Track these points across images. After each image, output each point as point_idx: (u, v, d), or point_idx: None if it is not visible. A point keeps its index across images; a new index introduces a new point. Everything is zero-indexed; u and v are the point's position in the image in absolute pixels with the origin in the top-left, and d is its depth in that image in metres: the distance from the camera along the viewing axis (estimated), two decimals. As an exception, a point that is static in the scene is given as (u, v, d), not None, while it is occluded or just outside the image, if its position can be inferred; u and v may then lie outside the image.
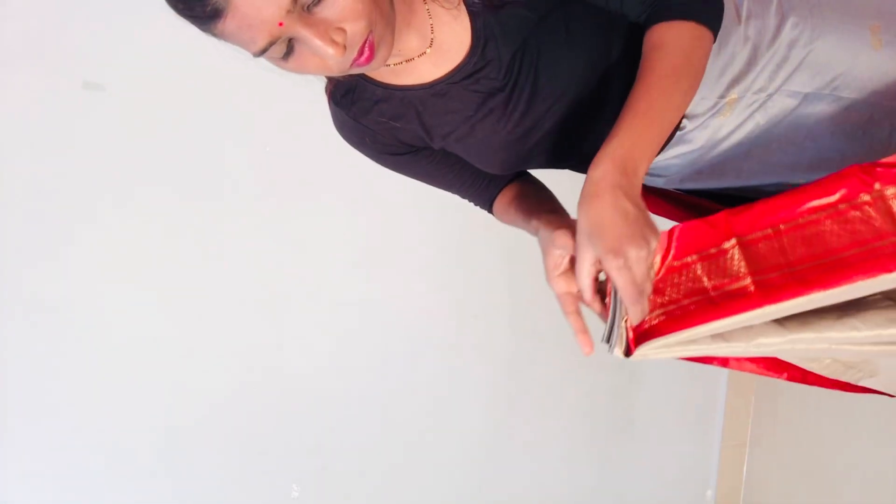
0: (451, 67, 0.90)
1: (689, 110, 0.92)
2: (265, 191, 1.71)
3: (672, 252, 0.81)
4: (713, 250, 0.80)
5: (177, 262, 1.64)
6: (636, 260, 0.72)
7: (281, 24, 0.74)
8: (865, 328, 0.80)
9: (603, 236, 0.73)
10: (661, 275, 0.80)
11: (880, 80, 0.92)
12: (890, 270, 0.74)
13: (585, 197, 0.75)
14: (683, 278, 0.80)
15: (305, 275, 1.76)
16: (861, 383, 1.02)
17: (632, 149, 0.77)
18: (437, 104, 0.93)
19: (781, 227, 0.79)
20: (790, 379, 1.06)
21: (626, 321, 0.78)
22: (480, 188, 1.06)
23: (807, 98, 0.93)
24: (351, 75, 0.92)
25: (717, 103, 0.93)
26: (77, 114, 1.53)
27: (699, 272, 0.79)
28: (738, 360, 1.05)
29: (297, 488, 1.82)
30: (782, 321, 0.79)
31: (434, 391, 1.92)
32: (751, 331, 0.80)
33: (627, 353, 0.79)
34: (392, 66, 0.91)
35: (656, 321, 0.79)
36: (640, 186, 0.77)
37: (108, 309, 1.62)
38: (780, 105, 0.94)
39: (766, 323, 0.79)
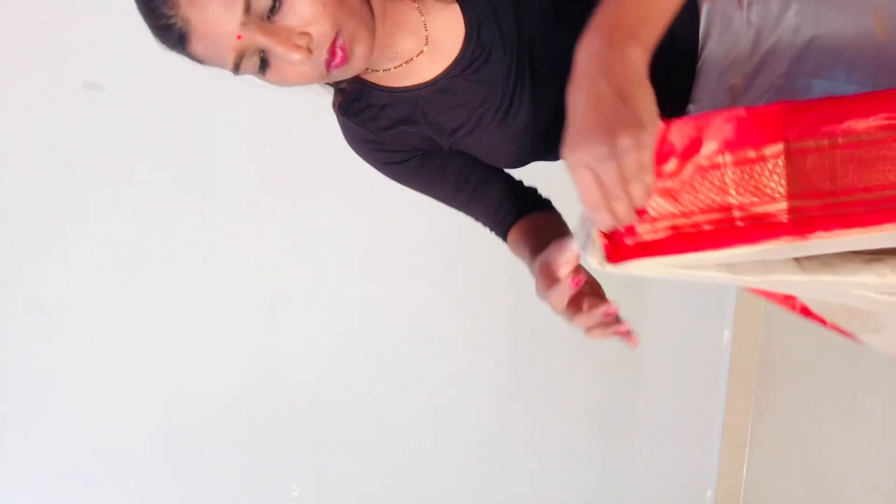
0: (450, 61, 0.89)
1: (693, 96, 0.90)
2: (265, 191, 1.71)
3: (703, 147, 0.67)
4: (752, 154, 0.66)
5: (176, 262, 1.64)
6: (595, 159, 0.62)
7: (239, 37, 0.74)
8: (893, 276, 0.69)
9: (567, 128, 0.64)
10: (681, 174, 0.67)
11: (886, 69, 0.91)
12: None
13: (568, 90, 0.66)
14: (707, 184, 0.67)
15: (305, 275, 1.75)
16: (861, 336, 0.92)
17: (619, 12, 0.66)
18: (442, 101, 0.92)
19: (840, 140, 0.65)
20: (793, 309, 0.96)
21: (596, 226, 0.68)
22: (492, 207, 1.03)
23: (811, 84, 0.92)
24: (355, 84, 0.92)
25: (720, 87, 0.90)
26: (77, 114, 1.53)
27: (727, 179, 0.66)
28: None
29: (297, 488, 1.82)
30: (801, 260, 0.69)
31: (434, 391, 1.92)
32: (766, 265, 0.70)
33: (609, 261, 0.69)
34: (393, 69, 0.90)
35: (662, 235, 0.68)
36: (638, 56, 0.64)
37: (108, 309, 1.62)
38: (785, 92, 0.92)
39: (784, 259, 0.70)
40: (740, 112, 0.65)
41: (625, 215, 0.66)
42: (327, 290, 1.78)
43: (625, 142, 0.61)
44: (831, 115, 0.65)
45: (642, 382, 2.14)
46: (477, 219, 1.08)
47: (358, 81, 0.92)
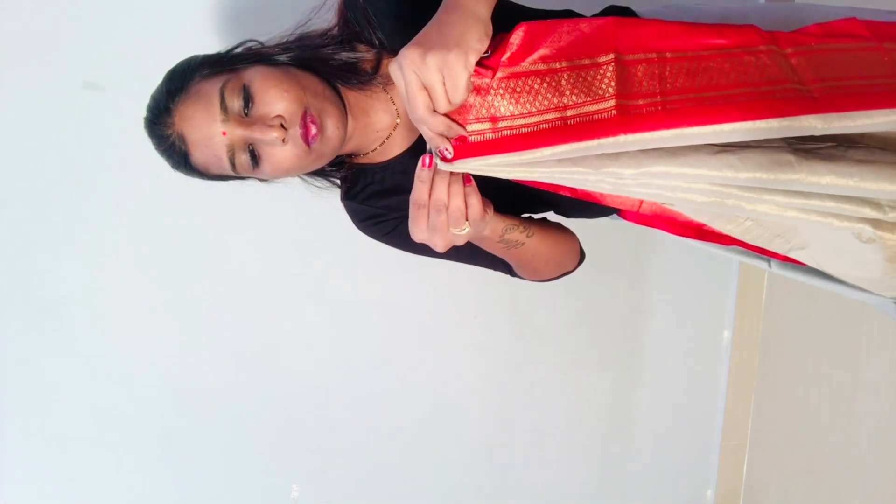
0: None
1: None
2: (265, 190, 1.71)
3: (539, 51, 0.73)
4: (586, 61, 0.73)
5: (176, 261, 1.64)
6: (420, 67, 0.69)
7: (224, 133, 0.87)
8: (744, 169, 0.72)
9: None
10: (519, 77, 0.73)
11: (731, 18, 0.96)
12: (787, 114, 0.68)
13: None
14: (545, 86, 0.72)
15: (305, 274, 1.75)
16: (791, 254, 0.94)
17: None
18: None
19: (668, 54, 0.73)
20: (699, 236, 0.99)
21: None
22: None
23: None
24: (351, 169, 1.04)
25: None
26: (77, 114, 1.53)
27: (563, 82, 0.72)
28: (632, 213, 0.98)
29: (297, 488, 1.82)
30: (645, 153, 0.73)
31: (434, 391, 1.92)
32: (604, 158, 0.73)
33: (446, 161, 0.74)
34: (378, 147, 1.00)
35: (501, 135, 0.73)
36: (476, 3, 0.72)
37: (107, 309, 1.62)
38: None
39: (623, 153, 0.73)
40: (574, 25, 0.72)
41: (436, 125, 0.72)
42: (328, 289, 1.78)
43: (442, 56, 0.68)
44: (660, 34, 0.72)
45: (642, 382, 2.14)
46: (489, 266, 1.12)
47: (353, 166, 1.04)
